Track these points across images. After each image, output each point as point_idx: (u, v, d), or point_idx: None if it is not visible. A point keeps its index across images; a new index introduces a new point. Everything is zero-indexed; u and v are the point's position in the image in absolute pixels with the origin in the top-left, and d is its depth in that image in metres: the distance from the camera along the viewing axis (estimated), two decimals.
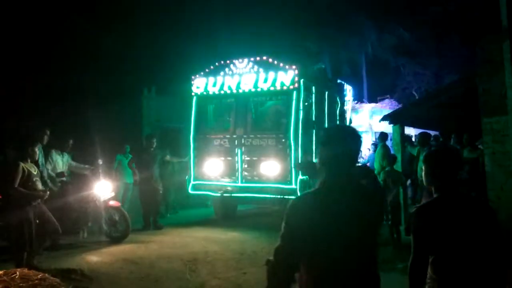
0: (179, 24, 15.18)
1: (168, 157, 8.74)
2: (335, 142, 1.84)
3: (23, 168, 4.74)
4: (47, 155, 6.68)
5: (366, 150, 13.92)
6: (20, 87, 11.99)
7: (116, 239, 6.61)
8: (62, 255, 5.71)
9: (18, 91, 11.94)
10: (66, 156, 7.10)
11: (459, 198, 2.22)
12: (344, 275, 1.78)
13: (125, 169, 8.90)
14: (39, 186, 4.96)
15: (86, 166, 7.18)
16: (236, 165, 7.95)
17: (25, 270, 2.98)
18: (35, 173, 4.93)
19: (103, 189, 6.61)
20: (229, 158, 8.03)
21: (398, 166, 7.59)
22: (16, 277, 2.75)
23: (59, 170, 6.74)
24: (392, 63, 23.94)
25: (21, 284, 2.65)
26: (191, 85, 8.66)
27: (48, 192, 5.01)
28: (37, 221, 4.91)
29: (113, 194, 6.86)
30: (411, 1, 20.54)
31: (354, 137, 1.89)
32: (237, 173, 7.93)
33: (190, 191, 8.46)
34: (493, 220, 2.21)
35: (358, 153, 1.92)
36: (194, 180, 8.38)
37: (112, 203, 6.70)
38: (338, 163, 1.82)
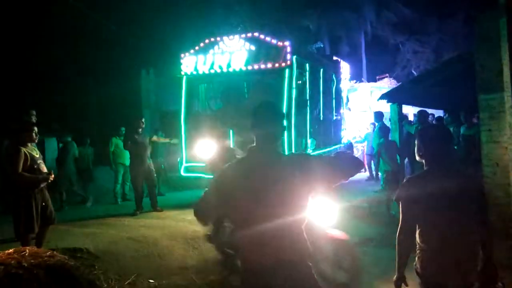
0: (177, 4, 14.97)
1: (154, 137, 8.52)
2: (258, 122, 2.09)
3: (24, 153, 4.74)
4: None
5: (364, 129, 13.97)
6: (13, 70, 11.92)
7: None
8: (69, 234, 5.83)
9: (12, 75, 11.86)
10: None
11: (447, 172, 2.30)
12: (265, 235, 1.94)
13: (122, 151, 8.96)
14: (44, 169, 4.98)
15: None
16: (229, 146, 7.80)
17: (34, 248, 3.09)
18: (37, 156, 4.94)
19: (326, 214, 4.26)
20: (221, 139, 7.68)
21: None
22: (26, 254, 2.86)
23: None
24: (392, 41, 23.76)
25: (31, 260, 2.76)
26: (180, 64, 8.37)
27: (53, 175, 5.02)
28: (43, 204, 4.95)
29: (335, 221, 4.31)
30: None
31: (275, 116, 2.13)
32: None
33: (182, 173, 8.28)
34: (479, 195, 2.29)
35: (280, 129, 2.14)
36: (186, 162, 8.16)
37: (338, 234, 4.25)
38: (263, 137, 2.08)
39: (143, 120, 7.72)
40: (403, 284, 2.39)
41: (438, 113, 11.33)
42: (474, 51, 5.56)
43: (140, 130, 7.55)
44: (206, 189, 2.21)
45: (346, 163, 2.12)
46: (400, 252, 2.36)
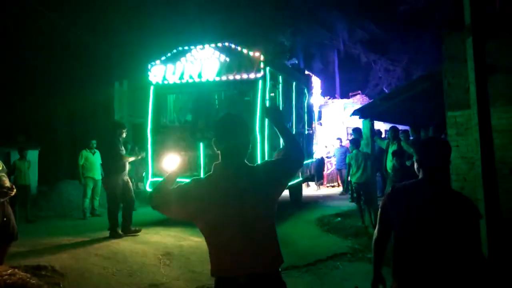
0: (152, 15, 14.91)
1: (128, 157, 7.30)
2: (225, 135, 2.02)
3: None
4: None
5: (333, 145, 14.14)
6: None
7: None
8: (32, 251, 5.56)
9: None
10: None
11: (439, 186, 2.15)
12: (240, 248, 1.91)
13: (92, 165, 8.73)
14: (7, 182, 4.75)
15: None
16: (198, 160, 7.35)
17: None
18: (0, 168, 4.74)
19: None
20: (191, 153, 7.31)
21: None
22: None
23: None
24: (364, 59, 24.42)
25: None
26: (148, 73, 8.01)
27: (15, 190, 4.79)
28: (4, 219, 4.70)
29: None
30: None
31: (241, 129, 2.07)
32: (199, 169, 7.26)
33: (148, 189, 7.82)
34: (470, 217, 2.07)
35: (247, 141, 2.07)
36: (152, 177, 7.70)
37: None
38: (230, 152, 2.02)
39: (125, 129, 6.96)
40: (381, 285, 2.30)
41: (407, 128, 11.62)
42: (442, 70, 5.76)
43: (121, 139, 6.85)
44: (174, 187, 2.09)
45: (295, 152, 2.16)
46: (376, 256, 2.31)
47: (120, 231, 6.53)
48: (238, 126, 2.06)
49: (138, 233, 6.62)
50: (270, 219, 2.01)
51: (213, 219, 1.95)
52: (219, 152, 2.05)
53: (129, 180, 6.89)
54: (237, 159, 2.02)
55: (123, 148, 6.88)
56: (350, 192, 7.87)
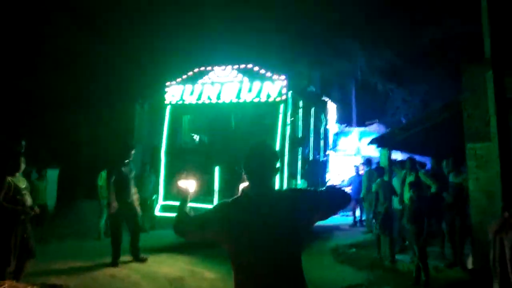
0: (174, 38, 15.23)
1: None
2: (252, 160, 2.10)
3: (9, 182, 4.63)
4: None
5: (347, 173, 13.93)
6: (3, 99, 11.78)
7: None
8: (48, 270, 5.61)
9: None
10: None
11: None
12: (265, 274, 1.92)
13: None
14: (29, 200, 4.84)
15: None
16: (213, 184, 7.16)
17: (14, 283, 2.97)
18: (23, 186, 4.83)
19: None
20: (205, 176, 7.07)
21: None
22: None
23: None
24: (381, 88, 24.45)
25: None
26: (164, 92, 7.91)
27: (38, 210, 4.88)
28: (24, 235, 4.78)
29: None
30: (400, 29, 21.15)
31: (269, 156, 2.14)
32: (213, 194, 7.09)
33: (157, 212, 7.60)
34: None
35: (274, 167, 2.13)
36: (163, 200, 7.51)
37: None
38: (257, 176, 2.07)
39: (133, 151, 6.57)
40: None
41: (425, 159, 11.43)
42: (462, 102, 5.75)
43: (127, 161, 6.44)
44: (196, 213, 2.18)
45: (338, 196, 2.22)
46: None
47: (117, 262, 6.17)
48: (266, 153, 2.14)
49: (145, 262, 6.34)
50: (296, 246, 2.02)
51: (238, 243, 1.98)
52: (246, 176, 2.11)
53: (134, 205, 6.50)
54: (263, 184, 2.07)
55: (128, 170, 6.41)
56: (374, 222, 7.57)
